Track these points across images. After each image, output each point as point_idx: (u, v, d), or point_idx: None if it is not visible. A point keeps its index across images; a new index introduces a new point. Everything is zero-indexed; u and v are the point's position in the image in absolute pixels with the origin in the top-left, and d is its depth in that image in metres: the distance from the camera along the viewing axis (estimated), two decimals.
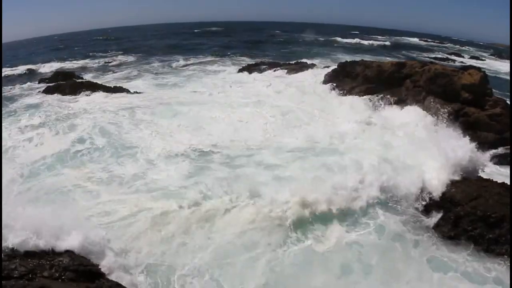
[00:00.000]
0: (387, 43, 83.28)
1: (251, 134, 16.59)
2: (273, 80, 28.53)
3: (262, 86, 26.96)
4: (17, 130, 17.92)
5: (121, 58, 49.53)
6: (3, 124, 18.60)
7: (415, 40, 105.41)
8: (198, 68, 39.94)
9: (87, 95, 24.85)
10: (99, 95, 24.74)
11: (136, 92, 26.24)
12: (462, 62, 55.96)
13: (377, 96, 21.82)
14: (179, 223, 9.73)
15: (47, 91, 26.62)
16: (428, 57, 59.46)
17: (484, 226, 9.87)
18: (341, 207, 10.48)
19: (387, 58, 41.19)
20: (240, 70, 33.75)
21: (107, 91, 25.78)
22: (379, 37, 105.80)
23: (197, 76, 34.04)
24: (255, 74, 31.23)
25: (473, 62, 55.79)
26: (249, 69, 33.16)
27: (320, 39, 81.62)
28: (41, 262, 6.56)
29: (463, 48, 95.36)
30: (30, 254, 6.72)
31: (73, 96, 24.88)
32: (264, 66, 33.39)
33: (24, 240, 6.68)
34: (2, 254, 6.33)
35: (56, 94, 25.52)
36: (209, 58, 47.35)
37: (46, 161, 14.09)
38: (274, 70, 31.50)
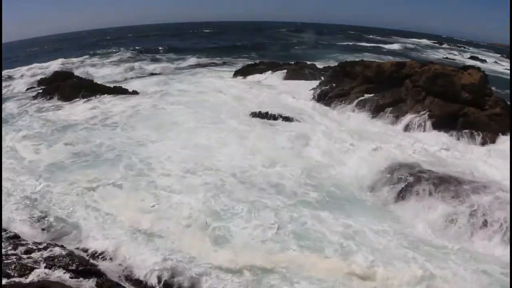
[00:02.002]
0: (405, 46, 78.45)
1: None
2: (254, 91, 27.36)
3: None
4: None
5: (120, 57, 49.52)
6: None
7: (424, 41, 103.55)
8: (196, 68, 40.06)
9: (84, 101, 24.28)
10: (94, 101, 24.19)
11: (135, 92, 26.30)
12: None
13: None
14: None
15: (46, 92, 26.53)
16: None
17: None
18: None
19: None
20: (237, 73, 33.35)
21: (106, 92, 25.82)
22: (378, 37, 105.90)
23: (194, 77, 34.15)
24: (242, 84, 29.94)
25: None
26: (246, 71, 32.65)
27: (322, 42, 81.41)
28: (41, 261, 6.56)
29: (477, 49, 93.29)
30: (30, 253, 6.72)
31: (70, 102, 24.37)
32: (263, 66, 33.28)
33: None
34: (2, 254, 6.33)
35: (54, 99, 25.17)
36: (208, 59, 47.42)
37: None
38: (272, 72, 31.28)
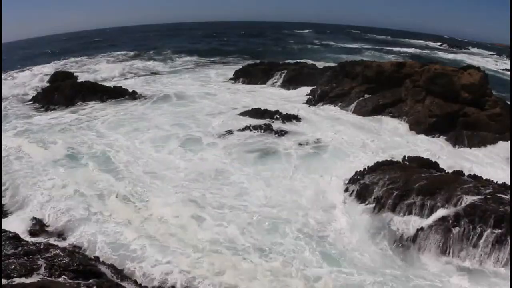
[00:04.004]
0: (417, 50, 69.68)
1: None
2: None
3: None
4: None
5: (120, 57, 49.44)
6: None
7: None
8: (195, 68, 40.09)
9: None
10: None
11: (134, 92, 26.36)
12: None
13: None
14: None
15: (46, 92, 26.49)
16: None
17: None
18: None
19: None
20: (237, 72, 33.22)
21: (106, 92, 25.84)
22: (377, 36, 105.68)
23: (191, 76, 34.33)
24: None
25: None
26: (247, 72, 32.49)
27: (316, 41, 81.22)
28: (41, 261, 6.55)
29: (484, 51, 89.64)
30: (30, 253, 6.71)
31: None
32: (263, 66, 33.14)
33: None
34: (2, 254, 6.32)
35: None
36: (209, 58, 47.42)
37: None
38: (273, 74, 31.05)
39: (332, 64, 33.34)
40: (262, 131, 18.55)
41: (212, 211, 11.84)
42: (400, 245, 10.48)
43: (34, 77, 35.12)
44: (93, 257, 8.73)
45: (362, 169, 13.56)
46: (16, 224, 10.54)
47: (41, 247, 7.46)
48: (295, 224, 11.38)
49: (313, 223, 11.45)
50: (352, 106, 22.31)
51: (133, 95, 26.07)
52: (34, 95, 27.20)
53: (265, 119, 20.17)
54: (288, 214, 11.84)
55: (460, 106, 19.10)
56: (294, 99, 25.91)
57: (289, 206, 12.31)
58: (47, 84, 29.45)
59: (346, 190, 13.23)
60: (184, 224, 11.24)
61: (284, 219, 11.61)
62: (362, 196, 12.55)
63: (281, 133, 18.52)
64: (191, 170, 14.72)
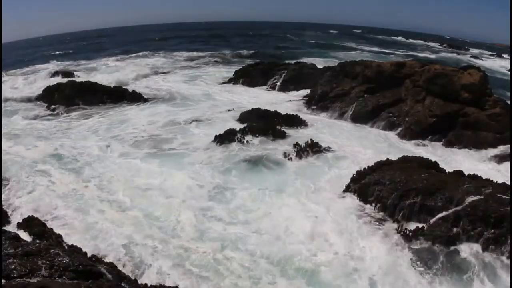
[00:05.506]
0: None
1: None
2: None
3: None
4: None
5: (120, 56, 49.43)
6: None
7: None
8: (195, 70, 40.07)
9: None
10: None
11: (134, 93, 26.36)
12: None
13: None
14: None
15: (47, 93, 26.48)
16: None
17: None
18: None
19: None
20: (237, 73, 33.24)
21: (106, 92, 25.82)
22: (378, 37, 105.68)
23: (191, 77, 34.30)
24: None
25: None
26: (246, 72, 32.50)
27: (316, 41, 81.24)
28: (41, 262, 6.54)
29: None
30: (30, 254, 6.70)
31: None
32: (263, 67, 33.12)
33: None
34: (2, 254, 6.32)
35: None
36: (210, 58, 47.43)
37: None
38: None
39: (332, 64, 33.33)
40: (261, 133, 17.79)
41: None
42: (399, 246, 10.46)
43: (34, 77, 35.12)
44: (93, 257, 8.73)
45: (362, 169, 13.54)
46: (16, 224, 10.52)
47: (41, 247, 7.44)
48: None
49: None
50: (352, 106, 22.29)
51: (133, 96, 26.06)
52: (34, 95, 27.17)
53: (264, 121, 19.74)
54: None
55: (460, 106, 19.09)
56: (294, 100, 25.96)
57: None
58: (47, 84, 29.36)
59: (347, 189, 13.21)
60: None
61: None
62: (362, 196, 12.55)
63: (280, 136, 17.97)
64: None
